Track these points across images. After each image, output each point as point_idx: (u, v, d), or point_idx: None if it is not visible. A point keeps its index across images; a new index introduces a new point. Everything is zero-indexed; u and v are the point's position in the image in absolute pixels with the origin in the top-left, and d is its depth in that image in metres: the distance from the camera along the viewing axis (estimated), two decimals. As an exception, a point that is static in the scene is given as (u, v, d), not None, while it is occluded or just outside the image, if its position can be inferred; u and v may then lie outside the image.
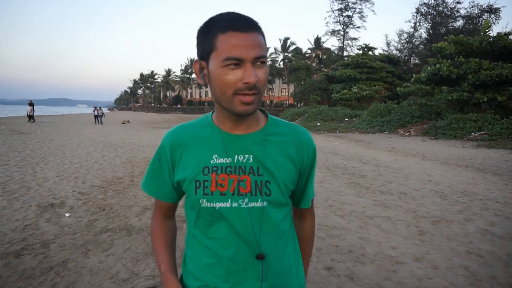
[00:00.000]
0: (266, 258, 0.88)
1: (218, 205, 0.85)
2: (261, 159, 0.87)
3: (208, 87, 0.84)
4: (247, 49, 0.75)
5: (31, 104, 23.75)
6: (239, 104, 0.78)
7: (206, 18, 0.81)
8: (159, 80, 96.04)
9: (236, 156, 0.87)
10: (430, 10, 37.66)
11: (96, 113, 26.38)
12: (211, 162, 0.87)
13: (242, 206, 0.85)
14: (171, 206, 1.01)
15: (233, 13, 0.80)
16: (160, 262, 0.94)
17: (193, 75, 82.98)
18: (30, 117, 23.38)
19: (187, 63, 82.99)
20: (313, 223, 1.07)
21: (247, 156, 0.87)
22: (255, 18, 0.80)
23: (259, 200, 0.86)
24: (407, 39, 40.72)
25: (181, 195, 0.98)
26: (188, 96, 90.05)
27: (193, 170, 0.87)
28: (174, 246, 1.02)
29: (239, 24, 0.76)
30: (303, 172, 0.94)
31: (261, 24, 0.81)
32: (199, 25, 0.82)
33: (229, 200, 0.85)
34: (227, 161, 0.87)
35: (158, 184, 0.96)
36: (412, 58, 41.36)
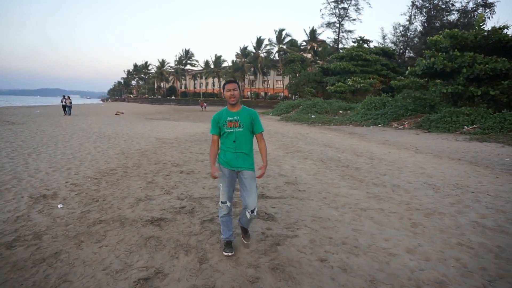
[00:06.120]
0: (240, 146, 2.97)
1: (229, 130, 2.91)
2: (240, 118, 2.92)
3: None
4: (230, 87, 2.92)
5: None
6: (229, 102, 2.93)
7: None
8: (153, 71, 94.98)
9: (234, 117, 2.92)
10: (425, 3, 37.62)
11: (64, 103, 22.82)
12: (227, 118, 2.92)
13: (236, 131, 2.91)
14: (218, 138, 3.01)
15: (228, 79, 3.08)
16: (211, 160, 2.95)
17: (188, 66, 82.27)
18: None
19: (182, 54, 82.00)
20: (264, 144, 3.04)
21: (236, 117, 2.92)
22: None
23: (239, 129, 2.91)
24: (402, 32, 40.74)
25: (220, 132, 3.01)
26: (183, 88, 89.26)
27: (223, 121, 2.94)
28: (217, 154, 3.00)
29: (228, 81, 2.97)
30: (253, 121, 2.98)
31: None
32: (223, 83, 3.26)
33: (232, 129, 2.91)
34: (231, 118, 2.92)
35: (215, 129, 2.98)
36: (407, 51, 41.41)
